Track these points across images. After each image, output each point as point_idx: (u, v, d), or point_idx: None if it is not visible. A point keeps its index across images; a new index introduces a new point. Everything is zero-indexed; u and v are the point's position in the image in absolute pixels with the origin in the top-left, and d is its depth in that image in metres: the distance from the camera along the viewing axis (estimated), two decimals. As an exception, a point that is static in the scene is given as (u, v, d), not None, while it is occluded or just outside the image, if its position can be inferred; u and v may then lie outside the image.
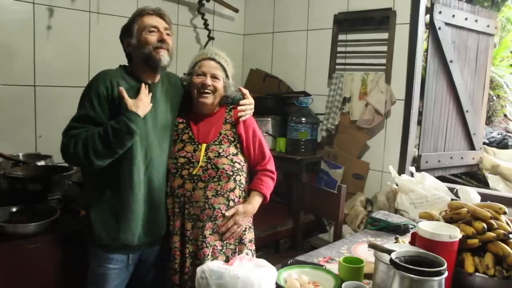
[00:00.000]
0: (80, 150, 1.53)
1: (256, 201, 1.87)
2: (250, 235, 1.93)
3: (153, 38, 1.68)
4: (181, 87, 1.90)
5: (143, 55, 1.69)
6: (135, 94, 1.66)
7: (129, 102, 1.59)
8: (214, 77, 1.81)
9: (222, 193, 1.79)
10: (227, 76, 1.86)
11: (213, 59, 1.83)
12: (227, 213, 1.79)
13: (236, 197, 1.83)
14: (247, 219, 1.87)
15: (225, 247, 1.83)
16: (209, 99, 1.81)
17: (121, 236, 1.66)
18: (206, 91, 1.79)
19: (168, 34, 1.73)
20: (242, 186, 1.87)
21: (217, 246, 1.80)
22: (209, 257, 1.77)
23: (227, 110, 1.91)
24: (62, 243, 1.91)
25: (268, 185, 1.92)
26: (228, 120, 1.88)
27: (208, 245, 1.78)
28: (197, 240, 1.78)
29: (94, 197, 1.68)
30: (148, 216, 1.72)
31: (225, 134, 1.85)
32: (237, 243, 1.87)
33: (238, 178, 1.83)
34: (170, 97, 1.83)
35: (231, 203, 1.81)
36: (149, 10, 1.72)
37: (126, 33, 1.73)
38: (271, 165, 1.96)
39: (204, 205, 1.77)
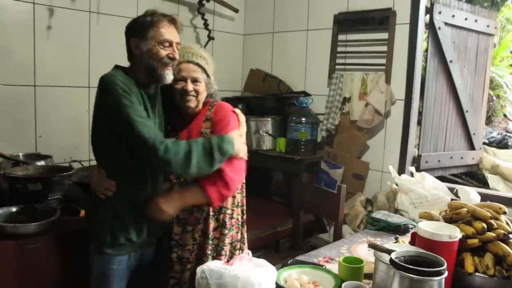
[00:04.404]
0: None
1: (191, 192, 1.69)
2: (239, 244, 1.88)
3: (164, 53, 1.64)
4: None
5: (149, 66, 1.65)
6: (139, 100, 1.65)
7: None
8: (194, 80, 1.75)
9: None
10: (208, 75, 1.80)
11: (192, 62, 1.76)
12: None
13: None
14: (174, 206, 1.68)
15: (214, 251, 1.80)
16: (192, 103, 1.76)
17: (128, 235, 1.67)
18: (188, 96, 1.75)
19: (177, 48, 1.69)
20: None
21: (205, 251, 1.77)
22: (200, 258, 1.75)
23: (209, 107, 1.85)
24: (62, 243, 1.91)
25: (214, 183, 1.67)
26: (208, 117, 1.82)
27: (197, 247, 1.77)
28: (187, 244, 1.77)
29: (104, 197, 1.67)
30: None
31: (205, 132, 1.80)
32: (224, 245, 1.82)
33: None
34: (165, 102, 1.83)
35: None
36: (167, 19, 1.67)
37: (137, 34, 1.66)
38: (233, 171, 1.70)
39: (192, 208, 1.75)
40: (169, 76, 1.68)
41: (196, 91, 1.76)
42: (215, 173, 1.67)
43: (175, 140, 1.65)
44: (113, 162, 1.67)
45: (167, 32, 1.66)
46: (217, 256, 1.79)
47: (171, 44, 1.67)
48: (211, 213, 1.77)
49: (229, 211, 1.81)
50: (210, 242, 1.78)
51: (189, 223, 1.77)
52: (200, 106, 1.83)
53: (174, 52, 1.67)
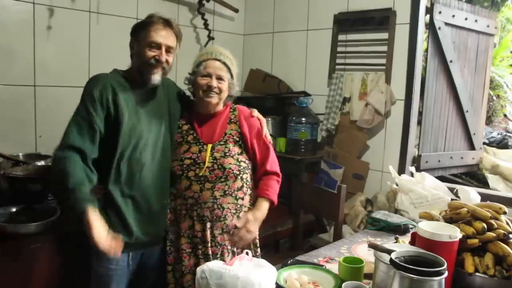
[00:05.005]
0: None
1: (264, 207, 1.85)
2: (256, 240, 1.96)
3: (150, 54, 1.68)
4: (175, 95, 1.90)
5: (138, 67, 1.71)
6: (132, 100, 1.68)
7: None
8: (219, 78, 1.80)
9: (230, 193, 1.80)
10: (232, 76, 1.85)
11: (219, 60, 1.81)
12: (239, 224, 1.79)
13: (244, 194, 1.85)
14: (258, 225, 1.86)
15: (233, 246, 1.84)
16: (214, 99, 1.81)
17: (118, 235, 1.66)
18: (211, 93, 1.80)
19: (169, 52, 1.72)
20: (248, 183, 1.88)
21: (227, 246, 1.82)
22: (218, 256, 1.79)
23: (231, 110, 1.92)
24: (62, 243, 1.91)
25: (274, 189, 1.89)
26: (232, 120, 1.89)
27: (218, 244, 1.80)
28: (209, 241, 1.79)
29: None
30: (141, 215, 1.72)
31: (230, 133, 1.86)
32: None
33: (244, 176, 1.84)
34: (167, 103, 1.84)
35: (240, 201, 1.84)
36: (162, 21, 1.70)
37: (133, 35, 1.73)
38: (276, 167, 1.94)
39: (213, 205, 1.78)
40: (155, 77, 1.70)
41: (219, 89, 1.80)
42: (268, 176, 1.89)
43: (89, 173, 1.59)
44: (95, 166, 1.65)
45: (158, 35, 1.68)
46: (237, 252, 1.83)
47: (159, 47, 1.68)
48: (232, 210, 1.81)
49: (245, 209, 1.87)
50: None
51: (210, 220, 1.79)
52: (221, 105, 1.88)
53: (161, 55, 1.69)
